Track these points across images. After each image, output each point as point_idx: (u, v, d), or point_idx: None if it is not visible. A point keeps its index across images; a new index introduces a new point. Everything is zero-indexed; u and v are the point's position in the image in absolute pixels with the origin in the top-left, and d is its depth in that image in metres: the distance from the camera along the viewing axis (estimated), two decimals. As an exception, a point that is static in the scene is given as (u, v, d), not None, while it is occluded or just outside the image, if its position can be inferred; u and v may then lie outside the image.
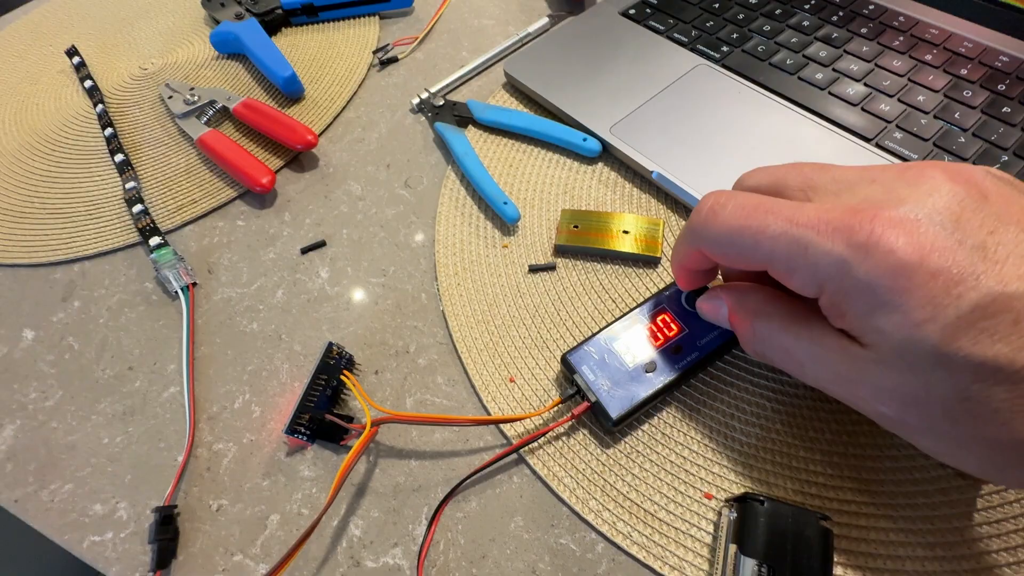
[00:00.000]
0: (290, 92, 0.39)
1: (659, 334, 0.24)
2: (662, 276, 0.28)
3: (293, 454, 0.25)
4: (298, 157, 0.36)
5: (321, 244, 0.32)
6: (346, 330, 0.29)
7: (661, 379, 0.23)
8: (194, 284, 0.31)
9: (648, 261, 0.28)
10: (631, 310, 0.25)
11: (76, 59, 0.44)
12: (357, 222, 0.33)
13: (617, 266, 0.29)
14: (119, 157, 0.37)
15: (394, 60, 0.41)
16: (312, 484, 0.24)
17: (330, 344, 0.26)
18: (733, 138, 0.31)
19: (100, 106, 0.41)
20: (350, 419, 0.25)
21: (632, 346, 0.24)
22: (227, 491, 0.25)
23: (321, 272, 0.31)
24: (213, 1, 0.45)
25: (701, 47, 0.35)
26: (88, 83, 0.42)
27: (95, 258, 0.33)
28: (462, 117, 0.35)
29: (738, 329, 0.21)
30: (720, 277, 0.24)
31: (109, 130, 0.39)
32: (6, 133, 0.41)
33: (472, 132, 0.35)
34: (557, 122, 0.33)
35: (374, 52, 0.41)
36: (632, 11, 0.38)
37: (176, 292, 0.31)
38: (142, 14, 0.49)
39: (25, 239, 0.34)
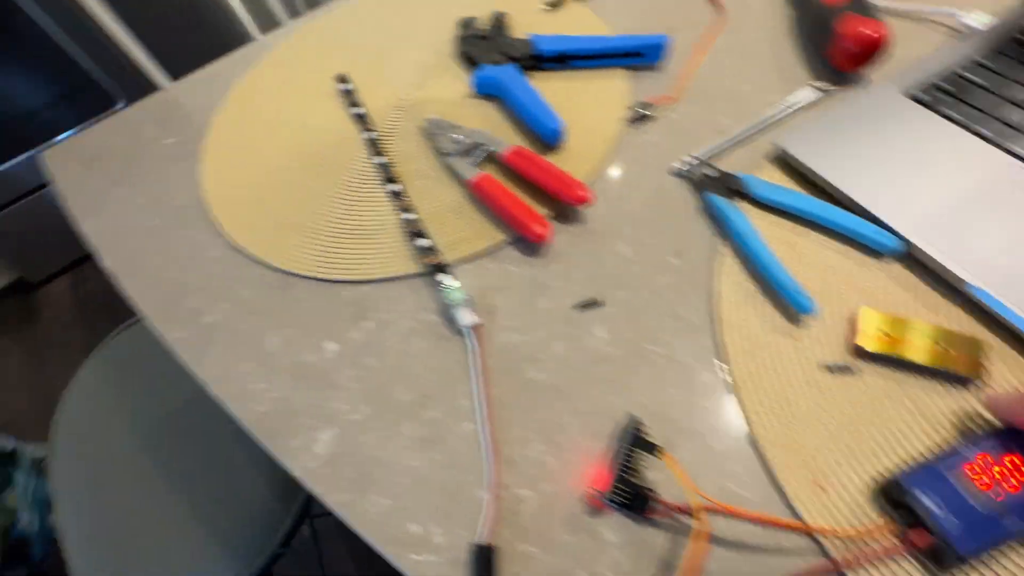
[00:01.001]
0: (553, 143, 0.41)
1: (1012, 478, 0.23)
2: (979, 398, 0.27)
3: (595, 515, 0.27)
4: (563, 209, 0.38)
5: (596, 303, 0.34)
6: (631, 397, 0.30)
7: (1018, 524, 0.22)
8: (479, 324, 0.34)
9: (960, 380, 0.27)
10: (971, 440, 0.24)
11: (346, 86, 0.49)
12: (629, 285, 0.34)
13: (925, 380, 0.28)
14: (392, 187, 0.41)
15: (648, 118, 0.42)
16: (618, 550, 0.26)
17: (634, 418, 0.27)
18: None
19: (371, 133, 0.45)
20: (649, 491, 0.26)
21: (980, 480, 0.23)
22: (534, 539, 0.27)
23: (596, 331, 0.33)
24: (469, 39, 0.49)
25: (1013, 148, 0.33)
26: (358, 110, 0.47)
27: (380, 283, 0.37)
28: (733, 190, 0.36)
29: None
30: None
31: (381, 158, 0.43)
32: (286, 150, 0.46)
33: (745, 208, 0.35)
34: (845, 210, 0.33)
35: (629, 108, 0.42)
36: (921, 94, 0.37)
37: (463, 330, 0.33)
38: (396, 44, 0.53)
39: (317, 255, 0.39)
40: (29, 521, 1.03)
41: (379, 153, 0.43)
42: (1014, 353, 0.29)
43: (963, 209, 0.31)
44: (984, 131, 0.34)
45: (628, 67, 0.45)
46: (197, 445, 0.65)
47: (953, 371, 0.27)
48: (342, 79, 0.49)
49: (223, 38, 1.35)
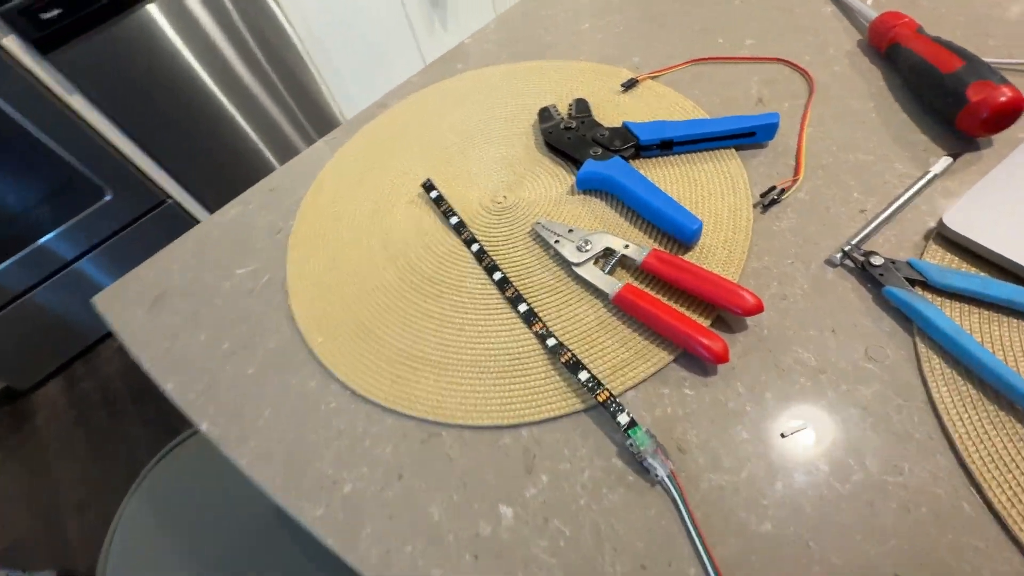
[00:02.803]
0: (691, 242, 0.38)
1: None
2: None
3: None
4: (720, 317, 0.35)
5: (803, 428, 0.30)
6: (886, 543, 0.27)
7: None
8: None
9: None
10: None
11: (434, 193, 0.46)
12: (829, 401, 0.31)
13: None
14: (523, 307, 0.38)
15: (777, 202, 0.40)
16: None
17: None
18: None
19: (476, 245, 0.42)
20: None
21: None
22: None
23: (819, 462, 0.29)
24: (554, 130, 0.47)
25: None
26: (454, 218, 0.44)
27: (541, 424, 0.33)
28: (910, 279, 0.34)
29: None
30: None
31: (498, 274, 0.40)
32: (381, 269, 0.42)
33: (931, 299, 0.33)
34: (1048, 294, 0.31)
35: (762, 194, 0.40)
36: (1071, 156, 0.36)
37: (660, 479, 0.30)
38: (472, 140, 0.51)
39: (457, 396, 0.35)
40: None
41: (494, 267, 0.40)
42: None
43: None
44: None
45: (738, 148, 0.44)
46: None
47: None
48: (429, 186, 0.46)
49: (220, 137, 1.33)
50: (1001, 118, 0.37)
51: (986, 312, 0.32)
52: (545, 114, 0.49)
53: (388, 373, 0.37)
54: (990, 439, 0.28)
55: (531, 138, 0.49)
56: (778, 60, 0.49)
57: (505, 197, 0.45)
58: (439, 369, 0.36)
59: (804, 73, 0.48)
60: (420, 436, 0.34)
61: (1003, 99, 0.36)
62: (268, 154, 1.44)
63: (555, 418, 0.33)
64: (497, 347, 0.37)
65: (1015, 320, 0.32)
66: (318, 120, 1.49)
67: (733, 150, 0.44)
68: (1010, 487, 0.27)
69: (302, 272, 0.44)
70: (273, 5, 1.25)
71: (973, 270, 0.34)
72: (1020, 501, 0.26)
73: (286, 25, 1.29)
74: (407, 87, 0.59)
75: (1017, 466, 0.27)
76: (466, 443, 0.33)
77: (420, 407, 0.35)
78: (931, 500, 0.27)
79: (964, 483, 0.27)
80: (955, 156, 0.39)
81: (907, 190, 0.38)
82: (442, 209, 0.45)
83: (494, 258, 0.41)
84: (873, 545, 0.26)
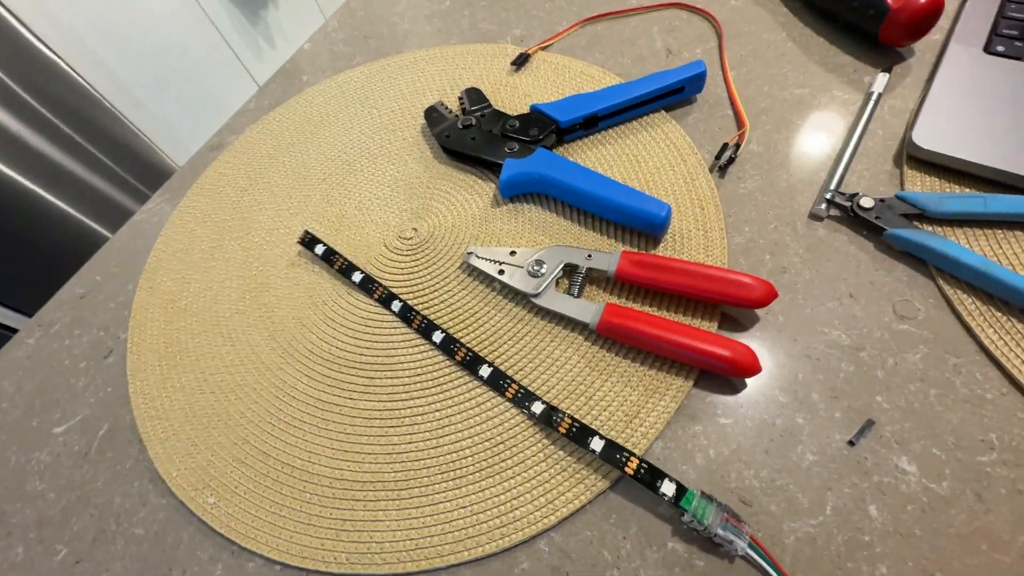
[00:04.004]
0: (659, 233, 0.31)
1: None
2: None
3: None
4: (724, 315, 0.29)
5: (869, 425, 0.25)
6: (1015, 542, 0.22)
7: None
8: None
9: None
10: None
11: (319, 247, 0.34)
12: (883, 383, 0.26)
13: None
14: (485, 369, 0.28)
15: (733, 160, 0.34)
16: None
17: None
18: None
19: (396, 302, 0.31)
20: None
21: None
22: None
23: (902, 464, 0.24)
24: (451, 132, 0.37)
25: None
26: (356, 275, 0.33)
27: (561, 526, 0.24)
28: (905, 215, 0.29)
29: None
30: None
31: (438, 334, 0.30)
32: (280, 368, 0.30)
33: (940, 232, 0.29)
34: (1045, 197, 0.28)
35: (716, 158, 0.34)
36: (998, 47, 0.34)
37: (744, 554, 0.22)
38: (353, 163, 0.39)
39: (441, 525, 0.25)
40: None
41: (431, 326, 0.30)
42: None
43: None
44: (1087, 67, 0.32)
45: (666, 108, 0.38)
46: None
47: None
48: (309, 241, 0.35)
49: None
50: (922, 22, 0.35)
51: (992, 231, 0.29)
52: (433, 115, 0.39)
53: (326, 524, 0.26)
54: (1060, 376, 0.24)
55: (425, 148, 0.39)
56: (673, 4, 0.44)
57: (415, 230, 0.35)
58: (399, 493, 0.26)
59: (704, 14, 0.43)
60: (402, 601, 0.24)
61: (923, 1, 0.34)
62: (105, 232, 1.17)
63: (577, 511, 0.25)
64: (469, 434, 0.27)
65: (1006, 232, 0.29)
66: (154, 181, 1.24)
67: (663, 112, 0.37)
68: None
69: (158, 408, 0.30)
70: (58, 61, 0.99)
71: (967, 190, 0.30)
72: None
73: (81, 81, 1.04)
74: (243, 117, 0.45)
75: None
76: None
77: (391, 558, 0.24)
78: (1035, 470, 0.23)
79: (1060, 438, 0.24)
80: (885, 70, 0.36)
81: (860, 117, 0.34)
82: (336, 266, 0.34)
83: (425, 314, 0.31)
84: (1002, 552, 0.22)
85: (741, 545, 0.22)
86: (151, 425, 0.30)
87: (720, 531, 0.22)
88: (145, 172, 1.23)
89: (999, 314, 0.26)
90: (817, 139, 0.35)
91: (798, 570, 0.22)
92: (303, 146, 0.41)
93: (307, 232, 0.35)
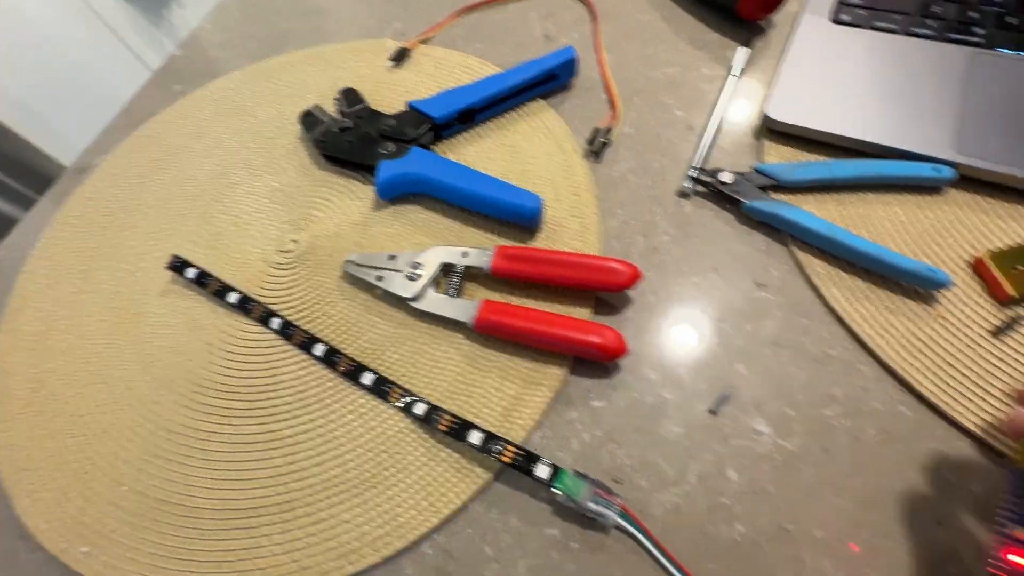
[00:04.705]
0: (533, 224, 0.31)
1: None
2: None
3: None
4: (599, 299, 0.29)
5: (729, 394, 0.26)
6: (854, 483, 0.23)
7: None
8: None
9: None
10: None
11: (191, 271, 0.33)
12: (742, 350, 0.27)
13: (1076, 296, 0.26)
14: (368, 377, 0.28)
15: (607, 144, 0.35)
16: None
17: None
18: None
19: (275, 320, 0.31)
20: None
21: None
22: None
23: (758, 426, 0.25)
24: (328, 137, 0.36)
25: (953, 35, 0.33)
26: (231, 296, 0.32)
27: (445, 527, 0.25)
28: (762, 187, 0.31)
29: None
30: None
31: (319, 347, 0.29)
32: (156, 404, 0.29)
33: (791, 201, 0.30)
34: (885, 161, 0.30)
35: (589, 143, 0.34)
36: (844, 17, 0.35)
37: (616, 524, 0.23)
38: (228, 177, 0.37)
39: (327, 540, 0.24)
40: None
41: (312, 339, 0.30)
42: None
43: (978, 112, 0.30)
44: (921, 30, 0.34)
45: (543, 96, 0.38)
46: None
47: (1097, 274, 0.25)
48: (179, 265, 0.33)
49: None
50: (775, -3, 0.36)
51: (840, 195, 0.30)
52: (309, 119, 0.37)
53: (208, 556, 0.25)
54: (895, 328, 0.26)
55: (304, 155, 0.38)
56: (549, -11, 0.44)
57: (295, 242, 0.34)
58: (282, 516, 0.25)
59: (581, -3, 0.43)
60: (288, 623, 0.24)
61: (772, -25, 0.35)
62: None
63: (460, 510, 0.25)
64: (352, 447, 0.27)
65: (870, 194, 0.30)
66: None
67: (542, 101, 0.37)
68: (932, 372, 0.25)
69: (24, 459, 0.28)
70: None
71: (815, 158, 0.32)
72: (946, 384, 0.25)
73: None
74: (112, 135, 0.42)
75: (928, 347, 0.25)
76: (356, 601, 0.24)
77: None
78: (873, 418, 0.25)
79: (893, 385, 0.25)
80: (748, 45, 0.37)
81: (722, 94, 0.35)
82: (211, 289, 0.32)
83: (307, 327, 0.30)
84: (843, 497, 0.23)
85: (612, 516, 0.23)
86: (17, 478, 0.28)
87: (592, 504, 0.23)
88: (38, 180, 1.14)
89: (844, 275, 0.28)
90: (686, 118, 0.36)
91: (666, 538, 0.23)
92: (176, 162, 0.39)
93: (176, 256, 0.33)
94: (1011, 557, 0.19)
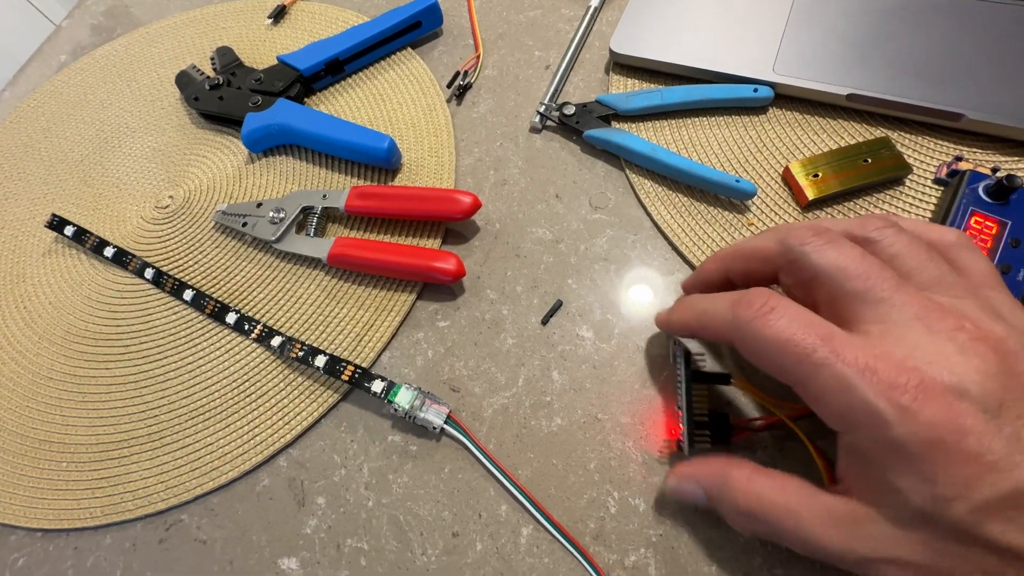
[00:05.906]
0: (390, 164, 0.33)
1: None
2: (914, 188, 0.28)
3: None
4: (449, 230, 0.31)
5: (558, 306, 0.28)
6: (663, 374, 0.26)
7: None
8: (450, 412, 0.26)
9: (895, 180, 0.28)
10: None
11: (69, 228, 0.34)
12: (575, 267, 0.29)
13: (864, 199, 0.28)
14: (232, 316, 0.30)
15: (469, 87, 0.36)
16: (766, 542, 0.22)
17: (688, 352, 0.23)
18: (905, 32, 0.31)
19: (150, 270, 0.32)
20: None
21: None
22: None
23: (582, 332, 0.27)
24: (203, 96, 0.37)
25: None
26: (109, 250, 0.33)
27: (299, 442, 0.27)
28: (605, 117, 0.32)
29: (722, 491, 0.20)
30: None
31: (189, 292, 0.31)
32: (39, 356, 0.31)
33: (628, 127, 0.32)
34: (711, 85, 0.32)
35: (448, 86, 0.35)
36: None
37: (439, 429, 0.26)
38: (110, 139, 0.38)
39: (191, 462, 0.27)
40: None
41: (182, 285, 0.31)
42: (911, 136, 0.30)
43: (799, 30, 0.32)
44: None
45: (412, 45, 0.39)
46: None
47: (888, 176, 0.28)
48: (58, 224, 0.34)
49: None
50: (626, -69, 0.37)
51: (673, 120, 0.32)
52: (184, 79, 0.38)
53: (83, 486, 0.27)
54: (708, 236, 0.28)
55: (183, 115, 0.39)
56: (424, -62, 0.44)
57: (171, 197, 0.35)
58: (151, 445, 0.27)
59: (454, -55, 0.43)
60: (155, 536, 0.26)
61: (619, -89, 0.36)
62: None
63: (312, 426, 0.27)
64: (216, 379, 0.28)
65: (697, 118, 0.32)
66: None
67: (410, 49, 0.38)
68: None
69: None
70: None
71: (651, 86, 0.34)
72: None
73: None
74: (-3, 109, 0.43)
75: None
76: (216, 512, 0.26)
77: (143, 502, 0.26)
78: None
79: (702, 287, 0.28)
80: (606, -16, 0.38)
81: (576, 32, 0.37)
82: (88, 245, 0.33)
83: (178, 276, 0.32)
84: (650, 387, 0.26)
85: (438, 423, 0.25)
86: (-95, 432, 0.30)
87: (421, 413, 0.25)
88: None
89: (669, 192, 0.30)
90: (544, 57, 0.37)
91: (492, 436, 0.26)
92: (59, 130, 0.40)
93: (54, 215, 0.34)
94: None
